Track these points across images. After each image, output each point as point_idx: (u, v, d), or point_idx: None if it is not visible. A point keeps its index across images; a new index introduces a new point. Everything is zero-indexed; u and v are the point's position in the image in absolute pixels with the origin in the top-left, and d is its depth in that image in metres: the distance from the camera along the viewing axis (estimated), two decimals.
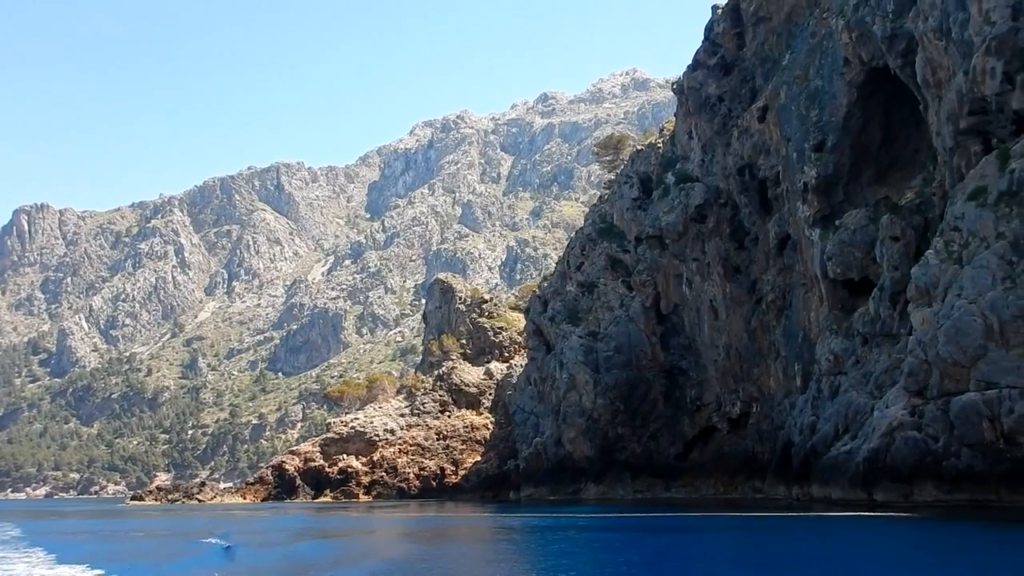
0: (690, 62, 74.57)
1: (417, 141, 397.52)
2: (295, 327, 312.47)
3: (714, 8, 72.83)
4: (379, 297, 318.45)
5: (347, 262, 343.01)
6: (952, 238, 43.62)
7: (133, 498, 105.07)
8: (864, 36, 57.44)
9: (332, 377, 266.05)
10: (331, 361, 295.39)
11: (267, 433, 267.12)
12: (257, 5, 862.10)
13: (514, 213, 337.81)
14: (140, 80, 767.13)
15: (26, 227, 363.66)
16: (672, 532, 38.23)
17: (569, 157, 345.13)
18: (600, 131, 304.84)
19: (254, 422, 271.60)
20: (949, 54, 48.15)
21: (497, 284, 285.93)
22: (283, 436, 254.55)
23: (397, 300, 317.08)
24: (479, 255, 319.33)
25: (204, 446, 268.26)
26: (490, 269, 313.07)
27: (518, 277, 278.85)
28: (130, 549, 38.56)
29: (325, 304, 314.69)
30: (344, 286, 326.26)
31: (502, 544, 35.36)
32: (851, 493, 43.29)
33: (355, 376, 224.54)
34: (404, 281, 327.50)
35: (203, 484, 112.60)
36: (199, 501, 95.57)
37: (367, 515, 63.84)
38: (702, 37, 74.29)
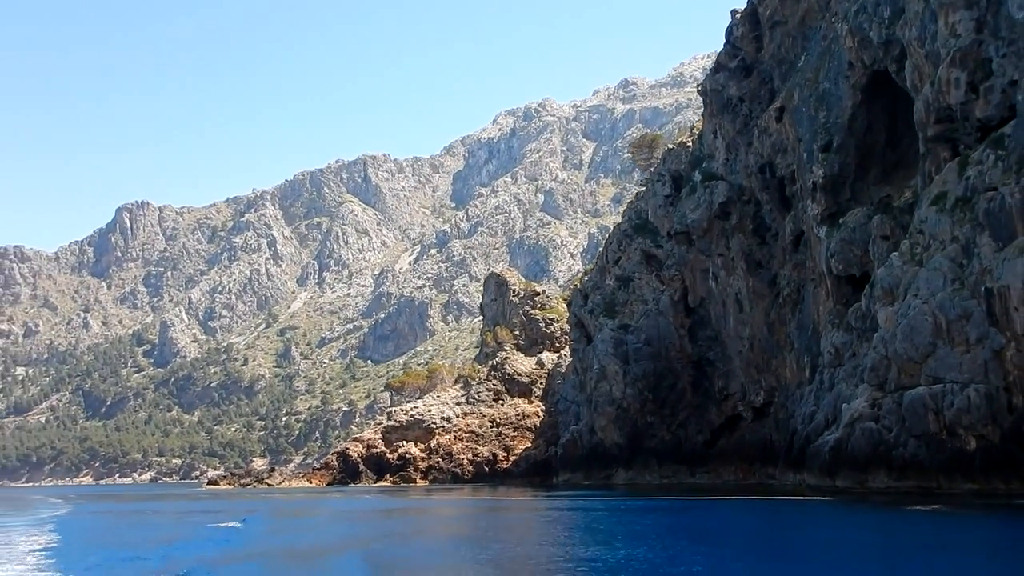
0: (712, 64, 77.31)
1: (500, 130, 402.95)
2: (383, 316, 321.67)
3: (733, 12, 75.55)
4: (463, 285, 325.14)
5: (432, 251, 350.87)
6: (917, 240, 46.38)
7: (209, 482, 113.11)
8: (865, 40, 59.87)
9: (419, 364, 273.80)
10: (418, 348, 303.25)
11: (357, 419, 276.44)
12: (340, 3, 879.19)
13: (596, 200, 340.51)
14: (232, 80, 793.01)
15: (128, 224, 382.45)
16: (630, 512, 42.27)
17: (662, 140, 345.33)
18: (682, 116, 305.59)
19: (344, 409, 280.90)
20: (929, 62, 50.67)
21: (579, 271, 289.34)
22: (372, 422, 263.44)
23: (481, 288, 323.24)
24: (561, 242, 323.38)
25: (297, 432, 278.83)
26: (572, 256, 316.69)
27: None
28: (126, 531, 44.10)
29: (411, 293, 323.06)
30: (430, 275, 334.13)
31: (531, 516, 40.16)
32: (821, 480, 46.60)
33: (441, 363, 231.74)
34: (488, 269, 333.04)
35: (272, 469, 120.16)
36: (268, 485, 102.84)
37: (425, 496, 69.28)
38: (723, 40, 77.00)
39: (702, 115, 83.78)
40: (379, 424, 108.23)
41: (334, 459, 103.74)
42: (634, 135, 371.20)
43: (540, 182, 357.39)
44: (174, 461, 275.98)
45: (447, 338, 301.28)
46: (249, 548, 29.39)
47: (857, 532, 28.89)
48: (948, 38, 47.27)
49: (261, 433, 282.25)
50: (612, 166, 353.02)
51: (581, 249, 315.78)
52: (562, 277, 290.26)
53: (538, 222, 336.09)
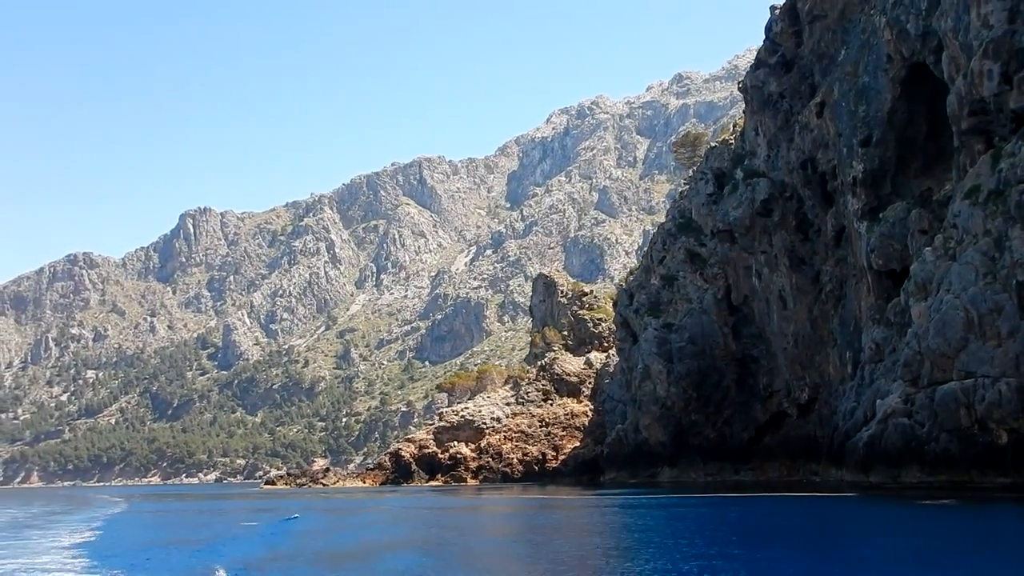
0: (752, 61, 77.14)
1: (554, 129, 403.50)
2: (439, 317, 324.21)
3: (772, 8, 75.22)
4: (519, 285, 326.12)
5: (488, 252, 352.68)
6: (951, 235, 46.09)
7: (266, 483, 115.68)
8: (903, 33, 59.39)
9: (475, 365, 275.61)
10: (474, 349, 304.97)
11: (415, 420, 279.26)
12: (394, 6, 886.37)
13: (650, 197, 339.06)
14: (290, 86, 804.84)
15: (192, 230, 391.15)
16: (658, 508, 42.71)
17: (705, 138, 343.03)
18: (736, 109, 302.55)
19: (403, 409, 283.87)
20: (964, 53, 50.22)
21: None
22: (430, 423, 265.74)
23: None
24: (616, 240, 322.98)
25: (357, 433, 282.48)
26: (627, 254, 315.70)
27: None
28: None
29: (467, 294, 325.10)
30: (485, 275, 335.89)
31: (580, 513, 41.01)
32: (857, 476, 46.55)
33: (497, 363, 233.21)
34: (543, 269, 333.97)
35: (327, 470, 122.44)
36: (323, 485, 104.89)
37: (476, 496, 70.38)
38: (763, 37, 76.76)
39: (743, 112, 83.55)
40: (431, 425, 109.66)
41: (387, 459, 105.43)
42: (688, 130, 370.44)
43: (594, 180, 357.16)
44: (238, 461, 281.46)
45: (503, 338, 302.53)
46: (285, 548, 30.36)
47: (845, 525, 29.25)
48: (981, 29, 46.91)
49: (322, 434, 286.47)
50: (666, 162, 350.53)
51: (636, 247, 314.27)
52: (617, 275, 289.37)
53: (593, 220, 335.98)
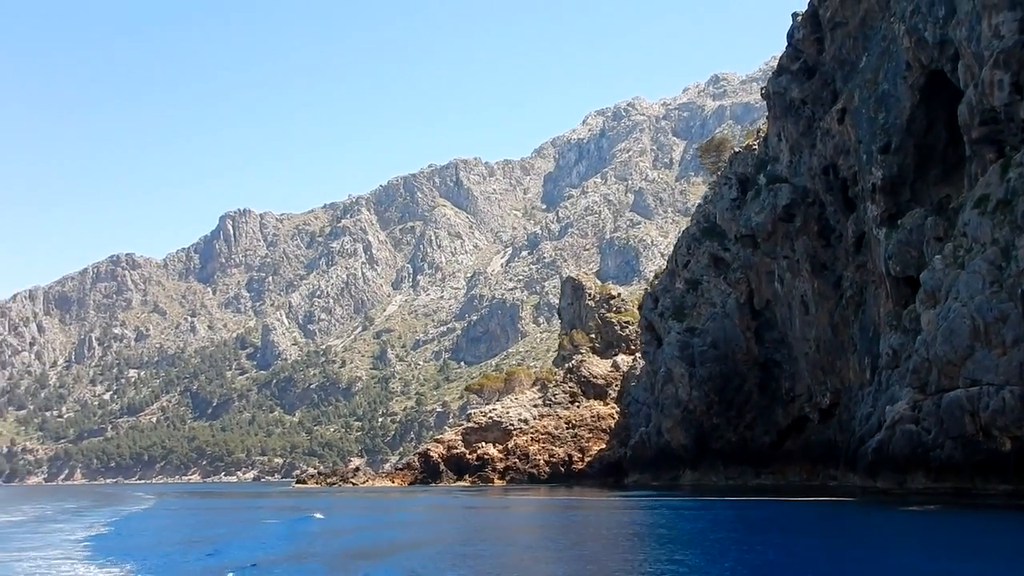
0: (775, 68, 77.63)
1: (589, 130, 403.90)
2: (475, 318, 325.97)
3: (794, 15, 75.68)
4: (554, 287, 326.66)
5: (524, 253, 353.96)
6: (960, 243, 46.55)
7: (298, 481, 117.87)
8: (921, 41, 59.70)
9: (510, 366, 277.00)
10: (510, 350, 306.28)
11: (450, 420, 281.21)
12: (430, 8, 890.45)
13: (686, 199, 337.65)
14: (327, 89, 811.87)
15: (231, 231, 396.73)
16: (672, 509, 43.69)
17: (741, 139, 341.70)
18: None
19: (438, 410, 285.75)
20: (977, 63, 50.59)
21: None
22: (459, 424, 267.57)
23: None
24: (652, 242, 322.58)
25: (393, 433, 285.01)
26: (663, 256, 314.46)
27: None
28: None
29: (503, 295, 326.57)
30: (521, 277, 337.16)
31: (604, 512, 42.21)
32: (866, 481, 47.16)
33: (532, 364, 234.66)
34: (579, 270, 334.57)
35: (357, 469, 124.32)
36: (353, 484, 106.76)
37: (503, 496, 71.69)
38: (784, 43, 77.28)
39: (767, 118, 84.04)
40: (459, 426, 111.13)
41: (416, 459, 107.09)
42: (725, 132, 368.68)
43: (630, 182, 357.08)
44: (276, 460, 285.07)
45: (538, 339, 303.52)
46: (296, 548, 31.40)
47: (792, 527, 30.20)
48: (992, 39, 47.30)
49: (358, 433, 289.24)
50: (703, 164, 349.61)
51: (672, 249, 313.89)
52: (653, 277, 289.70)
53: (628, 222, 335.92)
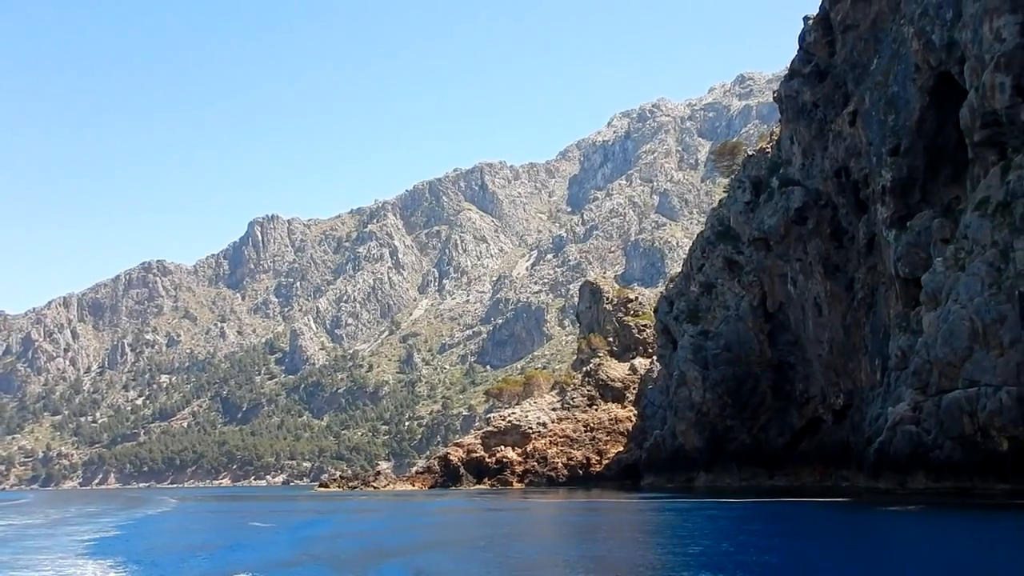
0: (786, 72, 77.90)
1: (614, 132, 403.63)
2: (501, 321, 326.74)
3: (805, 19, 75.93)
4: (579, 290, 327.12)
5: (549, 256, 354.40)
6: (961, 246, 46.80)
7: (320, 485, 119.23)
8: (929, 43, 59.90)
9: (535, 369, 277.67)
10: (535, 353, 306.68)
11: (476, 424, 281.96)
12: (455, 12, 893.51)
13: (712, 200, 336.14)
14: (352, 95, 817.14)
15: (260, 237, 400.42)
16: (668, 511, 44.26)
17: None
18: None
19: (464, 413, 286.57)
20: (979, 65, 50.79)
21: None
22: (479, 428, 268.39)
23: None
24: (677, 243, 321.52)
25: (420, 436, 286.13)
26: None
27: None
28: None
29: (528, 298, 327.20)
30: (546, 280, 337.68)
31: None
32: (869, 481, 47.49)
33: (557, 367, 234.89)
34: (604, 272, 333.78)
35: (378, 473, 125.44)
36: (374, 488, 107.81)
37: (523, 499, 72.40)
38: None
39: (779, 121, 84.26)
40: (479, 430, 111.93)
41: (436, 463, 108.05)
42: (751, 132, 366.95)
43: (655, 184, 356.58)
44: (304, 464, 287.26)
45: (564, 342, 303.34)
46: (299, 552, 32.02)
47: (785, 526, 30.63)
48: (993, 43, 47.52)
49: (385, 437, 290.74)
50: (717, 168, 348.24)
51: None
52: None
53: (653, 224, 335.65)
